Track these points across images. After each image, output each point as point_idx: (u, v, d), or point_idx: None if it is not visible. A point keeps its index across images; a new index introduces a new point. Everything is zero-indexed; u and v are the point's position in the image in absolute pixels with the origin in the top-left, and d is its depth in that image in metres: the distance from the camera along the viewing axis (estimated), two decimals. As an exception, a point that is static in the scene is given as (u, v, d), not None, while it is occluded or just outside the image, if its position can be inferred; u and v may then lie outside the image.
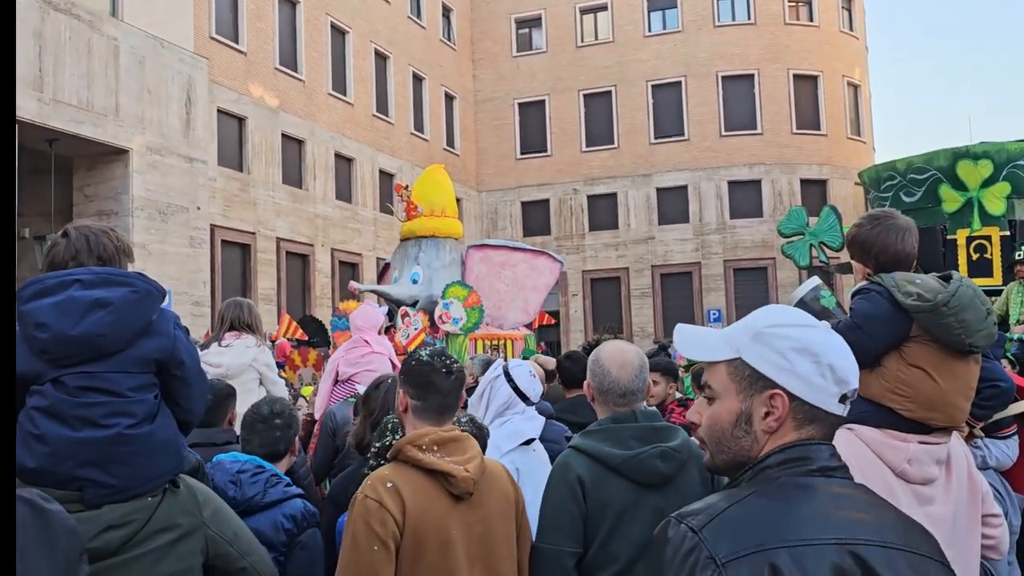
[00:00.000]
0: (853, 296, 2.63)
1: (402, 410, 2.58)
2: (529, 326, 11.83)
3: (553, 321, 15.97)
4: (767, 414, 1.43)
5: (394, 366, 5.80)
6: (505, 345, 10.68)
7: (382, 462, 2.76)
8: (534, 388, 3.57)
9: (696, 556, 1.30)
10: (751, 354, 1.47)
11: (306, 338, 13.31)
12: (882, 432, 2.43)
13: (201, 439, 3.25)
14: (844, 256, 21.65)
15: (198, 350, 2.91)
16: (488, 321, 10.65)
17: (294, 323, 13.54)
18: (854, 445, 2.41)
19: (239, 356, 4.69)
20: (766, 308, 1.57)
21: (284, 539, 2.91)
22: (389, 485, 2.42)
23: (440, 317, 9.97)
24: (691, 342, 1.56)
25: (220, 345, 4.85)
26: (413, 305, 10.28)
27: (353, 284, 10.80)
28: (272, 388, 4.73)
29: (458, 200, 28.27)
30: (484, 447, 3.07)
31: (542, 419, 3.51)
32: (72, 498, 2.07)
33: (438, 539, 2.40)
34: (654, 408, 2.86)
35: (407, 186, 11.74)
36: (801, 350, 1.44)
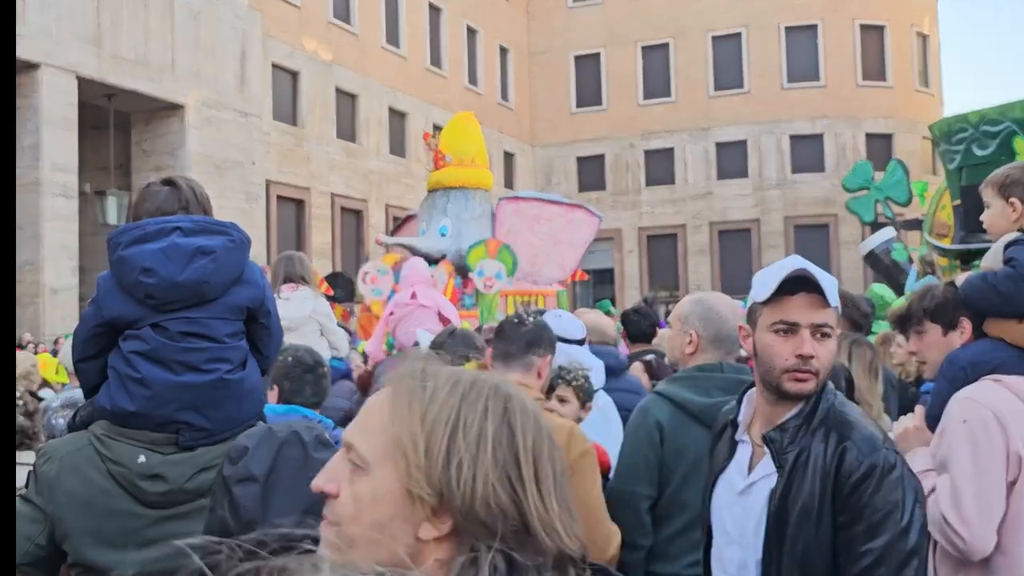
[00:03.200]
0: (1008, 246, 2.58)
1: (488, 365, 2.66)
2: (562, 282, 11.55)
3: (587, 277, 15.57)
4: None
5: (442, 319, 5.73)
6: (536, 301, 10.34)
7: None
8: (566, 327, 3.39)
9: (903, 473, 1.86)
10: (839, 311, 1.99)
11: (331, 293, 13.27)
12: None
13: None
14: (911, 212, 21.02)
15: None
16: (521, 276, 10.37)
17: (319, 276, 13.50)
18: (1006, 396, 2.34)
19: (299, 308, 4.70)
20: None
21: None
22: None
23: (485, 284, 9.71)
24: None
25: (279, 297, 4.84)
26: (441, 258, 9.95)
27: (380, 237, 10.53)
28: (332, 338, 4.74)
29: (511, 155, 28.29)
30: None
31: (601, 368, 3.36)
32: (168, 440, 2.13)
33: None
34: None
35: (435, 134, 11.34)
36: None
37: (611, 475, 2.69)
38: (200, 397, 2.15)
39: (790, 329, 1.89)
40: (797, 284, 1.88)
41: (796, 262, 1.93)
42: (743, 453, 2.04)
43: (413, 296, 5.91)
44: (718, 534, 2.06)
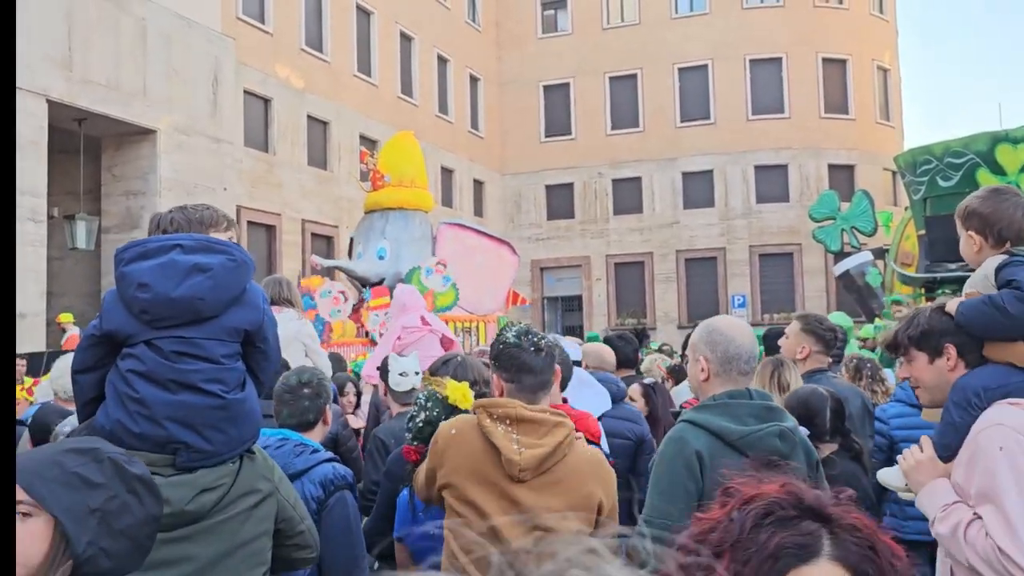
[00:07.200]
0: (1001, 268, 2.51)
1: (498, 395, 2.56)
2: (503, 309, 11.34)
3: (528, 302, 15.38)
4: None
5: (449, 341, 5.77)
6: (478, 328, 10.12)
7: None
8: (572, 349, 3.46)
9: None
10: None
11: None
12: None
13: None
14: (875, 241, 21.43)
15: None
16: (464, 304, 10.14)
17: None
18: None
19: (283, 329, 4.69)
20: None
21: (315, 507, 2.90)
22: (452, 432, 2.45)
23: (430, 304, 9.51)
24: None
25: None
26: (379, 283, 9.58)
27: (315, 259, 10.14)
28: (317, 359, 4.76)
29: (481, 183, 28.43)
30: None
31: (607, 393, 3.41)
32: (166, 461, 2.12)
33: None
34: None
35: (373, 153, 11.06)
36: None
37: (646, 494, 2.59)
38: (198, 417, 2.13)
39: None
40: None
41: None
42: None
43: (423, 321, 5.91)
44: None
